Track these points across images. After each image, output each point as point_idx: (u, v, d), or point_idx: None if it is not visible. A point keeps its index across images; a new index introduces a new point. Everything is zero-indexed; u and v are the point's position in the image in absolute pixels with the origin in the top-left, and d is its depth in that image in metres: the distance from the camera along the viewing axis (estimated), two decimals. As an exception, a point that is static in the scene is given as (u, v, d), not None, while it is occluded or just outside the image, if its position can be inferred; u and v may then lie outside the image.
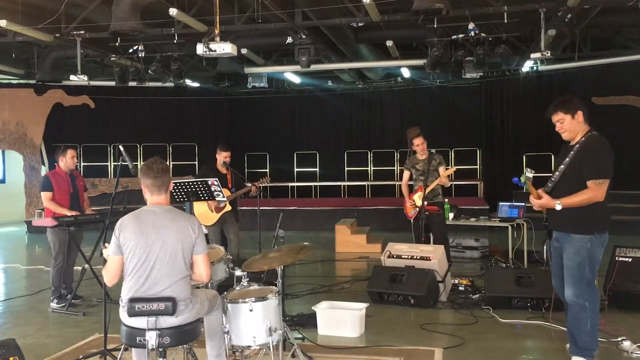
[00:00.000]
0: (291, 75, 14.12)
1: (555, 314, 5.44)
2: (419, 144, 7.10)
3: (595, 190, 3.89)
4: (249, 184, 7.37)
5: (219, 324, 3.78)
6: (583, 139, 4.05)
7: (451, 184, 13.89)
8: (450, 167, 7.04)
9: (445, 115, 15.39)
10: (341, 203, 14.26)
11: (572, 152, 4.04)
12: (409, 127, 7.51)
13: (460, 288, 6.48)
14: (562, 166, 4.07)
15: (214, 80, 14.17)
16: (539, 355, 4.64)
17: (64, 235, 6.18)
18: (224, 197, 6.64)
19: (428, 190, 6.98)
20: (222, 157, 7.23)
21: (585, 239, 3.96)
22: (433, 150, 7.27)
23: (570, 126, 4.10)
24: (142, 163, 14.60)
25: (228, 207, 7.19)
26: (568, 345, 4.35)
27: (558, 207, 3.96)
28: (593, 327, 4.05)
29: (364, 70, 14.03)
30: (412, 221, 7.15)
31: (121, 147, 4.66)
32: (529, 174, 4.17)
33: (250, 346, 3.86)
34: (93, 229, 7.55)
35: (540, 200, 4.07)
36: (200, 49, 6.83)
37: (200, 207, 6.97)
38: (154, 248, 3.35)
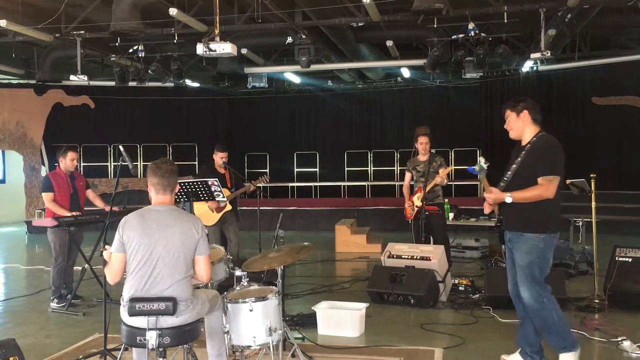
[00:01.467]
0: (291, 75, 14.12)
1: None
2: (422, 142, 7.10)
3: (545, 186, 3.91)
4: (247, 183, 7.36)
5: (219, 324, 3.79)
6: (534, 138, 4.08)
7: (451, 184, 13.91)
8: (448, 166, 7.02)
9: (445, 115, 15.39)
10: (341, 203, 14.26)
11: (523, 152, 4.08)
12: (417, 126, 7.48)
13: (460, 288, 6.48)
14: (514, 165, 4.10)
15: (214, 80, 14.17)
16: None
17: (64, 235, 6.19)
18: (224, 197, 6.65)
19: (427, 190, 6.97)
20: (219, 157, 7.24)
21: (539, 237, 3.95)
22: (433, 151, 7.26)
23: (515, 124, 4.13)
24: (142, 163, 14.79)
25: (228, 207, 7.20)
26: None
27: (508, 200, 3.98)
28: (560, 319, 3.99)
29: (364, 70, 14.04)
30: (412, 221, 7.14)
31: (121, 147, 4.66)
32: (484, 164, 4.20)
33: (250, 346, 3.86)
34: (93, 229, 7.56)
35: (491, 194, 4.10)
36: (200, 49, 6.83)
37: (200, 207, 6.97)
38: (157, 247, 3.35)
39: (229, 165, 7.32)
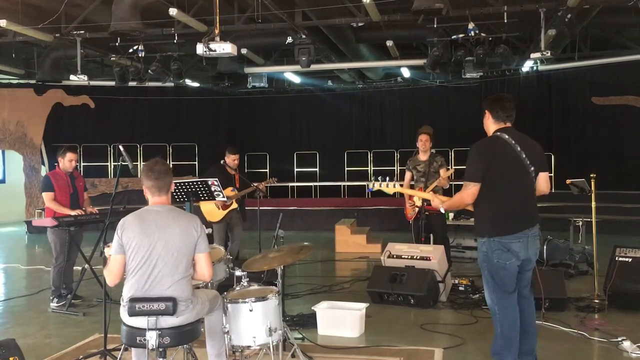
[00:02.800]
0: (291, 75, 14.11)
1: (555, 314, 5.46)
2: (422, 139, 7.10)
3: (462, 191, 3.96)
4: (255, 184, 7.47)
5: (219, 324, 3.79)
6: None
7: (451, 184, 13.89)
8: (448, 169, 7.02)
9: (445, 115, 15.38)
10: (341, 203, 14.26)
11: None
12: (418, 126, 7.50)
13: (460, 288, 6.47)
14: None
15: (214, 80, 14.17)
16: (538, 355, 4.63)
17: (64, 235, 6.18)
18: (224, 197, 6.70)
19: (429, 190, 6.96)
20: (231, 159, 7.44)
21: (481, 241, 3.93)
22: (433, 151, 7.25)
23: (484, 126, 4.15)
24: (142, 163, 14.77)
25: (234, 205, 7.32)
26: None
27: (441, 208, 4.18)
28: (503, 335, 3.93)
29: (364, 70, 14.03)
30: (412, 221, 7.14)
31: (121, 147, 4.66)
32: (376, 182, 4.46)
33: (250, 346, 3.86)
34: (93, 229, 7.57)
35: (434, 201, 4.23)
36: (200, 49, 6.83)
37: (207, 203, 7.11)
38: (157, 247, 3.35)
39: (238, 167, 7.55)
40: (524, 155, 3.87)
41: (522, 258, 3.87)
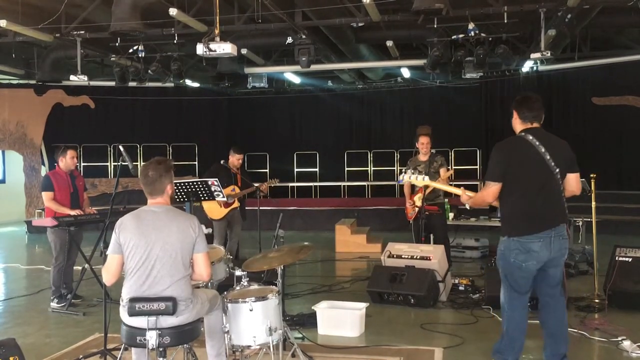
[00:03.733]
0: (291, 75, 14.11)
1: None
2: (424, 142, 7.09)
3: (483, 190, 3.99)
4: (257, 184, 7.52)
5: (219, 323, 3.79)
6: None
7: (451, 184, 13.89)
8: (450, 168, 7.02)
9: (445, 115, 15.38)
10: (341, 203, 14.25)
11: None
12: (418, 125, 7.47)
13: (460, 288, 6.48)
14: None
15: (214, 80, 14.16)
16: (538, 355, 4.62)
17: (64, 235, 6.18)
18: (223, 197, 6.74)
19: (427, 191, 6.97)
20: (235, 159, 7.51)
21: (501, 240, 3.98)
22: (434, 151, 7.25)
23: (513, 126, 4.15)
24: (142, 163, 14.75)
25: (236, 204, 7.37)
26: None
27: (467, 205, 4.17)
28: (507, 334, 3.96)
29: (364, 71, 14.03)
30: (412, 221, 7.14)
31: (121, 147, 4.66)
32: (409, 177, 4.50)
33: (250, 346, 3.86)
34: (93, 229, 7.57)
35: (463, 195, 4.21)
36: (200, 49, 6.83)
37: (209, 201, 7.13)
38: (155, 248, 3.35)
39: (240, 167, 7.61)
40: (548, 157, 3.86)
41: (545, 259, 3.86)
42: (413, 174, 4.58)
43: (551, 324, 3.99)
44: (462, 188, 4.23)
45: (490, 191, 3.91)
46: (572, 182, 3.99)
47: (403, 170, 7.37)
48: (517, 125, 4.07)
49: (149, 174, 3.49)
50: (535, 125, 4.02)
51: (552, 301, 4.00)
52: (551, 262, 3.90)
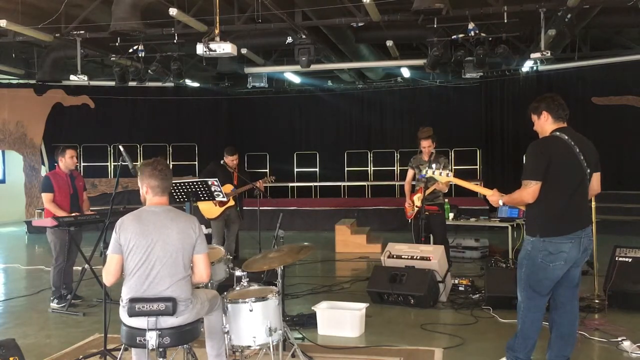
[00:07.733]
0: (291, 75, 14.11)
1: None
2: (425, 146, 7.06)
3: (522, 190, 3.88)
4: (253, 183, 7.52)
5: (219, 324, 3.79)
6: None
7: (451, 185, 13.89)
8: (450, 171, 7.00)
9: (445, 115, 15.36)
10: (341, 203, 14.25)
11: None
12: (421, 127, 7.42)
13: (460, 288, 6.48)
14: None
15: (214, 80, 14.17)
16: (538, 355, 4.62)
17: (64, 235, 6.18)
18: (224, 196, 6.75)
19: (428, 192, 6.97)
20: (229, 160, 7.53)
21: (529, 240, 3.92)
22: (433, 151, 7.23)
23: (538, 127, 4.12)
24: (142, 163, 14.75)
25: (231, 202, 7.35)
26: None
27: (500, 203, 4.06)
28: (522, 332, 3.94)
29: (364, 70, 14.03)
30: (411, 221, 7.14)
31: (121, 147, 4.66)
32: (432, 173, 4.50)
33: (250, 346, 3.86)
34: (93, 229, 7.57)
35: (492, 196, 4.13)
36: (200, 49, 6.83)
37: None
38: (155, 248, 3.35)
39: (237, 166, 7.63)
40: (582, 157, 3.85)
41: (573, 260, 3.84)
42: (437, 169, 4.53)
43: (564, 325, 3.97)
44: (495, 189, 4.13)
45: (531, 190, 3.81)
46: (595, 182, 3.99)
47: (408, 165, 7.33)
48: (548, 125, 4.02)
49: (162, 170, 3.46)
50: (565, 124, 4.01)
51: (568, 303, 3.98)
52: (575, 262, 3.89)
